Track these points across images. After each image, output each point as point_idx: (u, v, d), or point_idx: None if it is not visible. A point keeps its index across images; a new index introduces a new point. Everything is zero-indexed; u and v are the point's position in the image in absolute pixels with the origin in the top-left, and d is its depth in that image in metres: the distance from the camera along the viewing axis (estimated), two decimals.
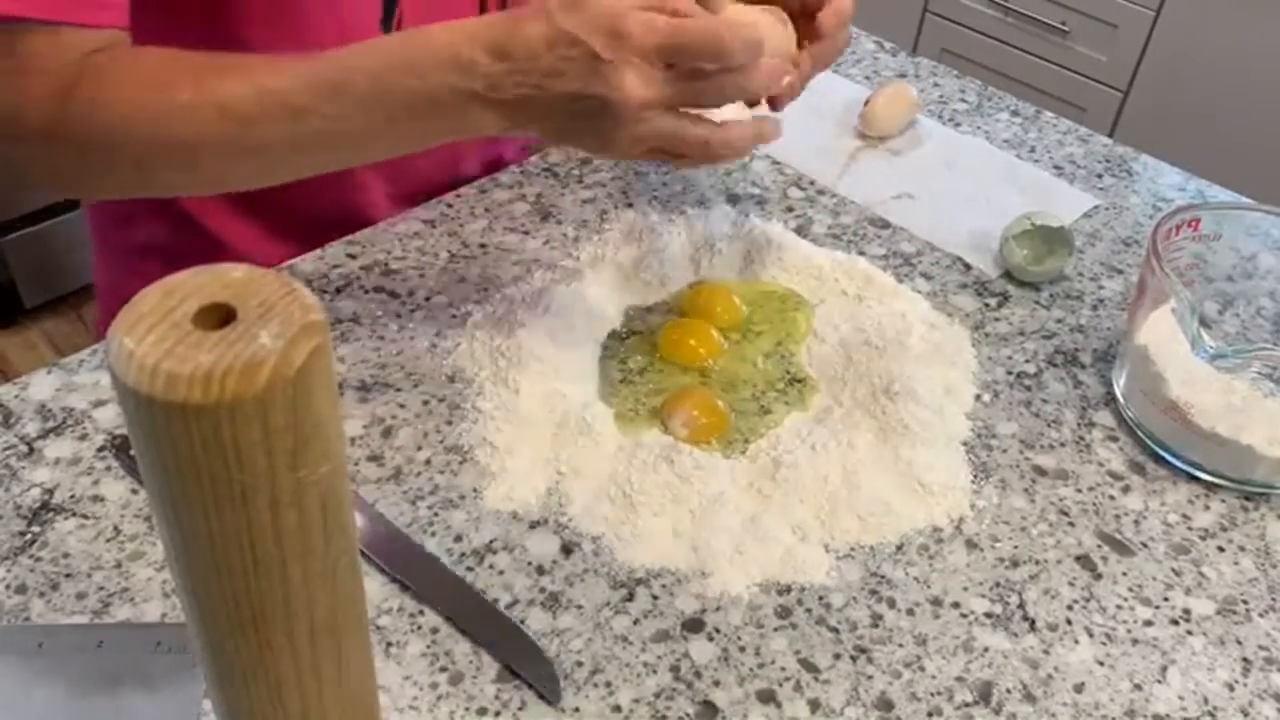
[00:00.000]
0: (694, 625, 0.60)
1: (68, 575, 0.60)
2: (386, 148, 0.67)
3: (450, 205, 0.88)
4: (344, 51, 0.64)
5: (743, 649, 0.59)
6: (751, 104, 0.72)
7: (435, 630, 0.58)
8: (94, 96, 0.63)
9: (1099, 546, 0.66)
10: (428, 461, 0.67)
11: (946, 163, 0.97)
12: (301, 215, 0.85)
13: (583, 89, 0.60)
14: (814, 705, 0.57)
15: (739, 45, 0.61)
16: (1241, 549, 0.67)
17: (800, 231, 0.88)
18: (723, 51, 0.61)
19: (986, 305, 0.83)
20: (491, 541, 0.63)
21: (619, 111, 0.61)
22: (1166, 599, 0.63)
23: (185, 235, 0.87)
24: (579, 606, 0.60)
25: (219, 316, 0.32)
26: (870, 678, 0.58)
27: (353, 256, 0.82)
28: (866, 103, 0.99)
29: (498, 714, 0.55)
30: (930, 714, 0.57)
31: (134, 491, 0.64)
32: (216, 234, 0.87)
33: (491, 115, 0.63)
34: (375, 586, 0.60)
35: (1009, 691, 0.58)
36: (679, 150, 0.65)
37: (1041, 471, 0.70)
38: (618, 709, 0.56)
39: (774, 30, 0.69)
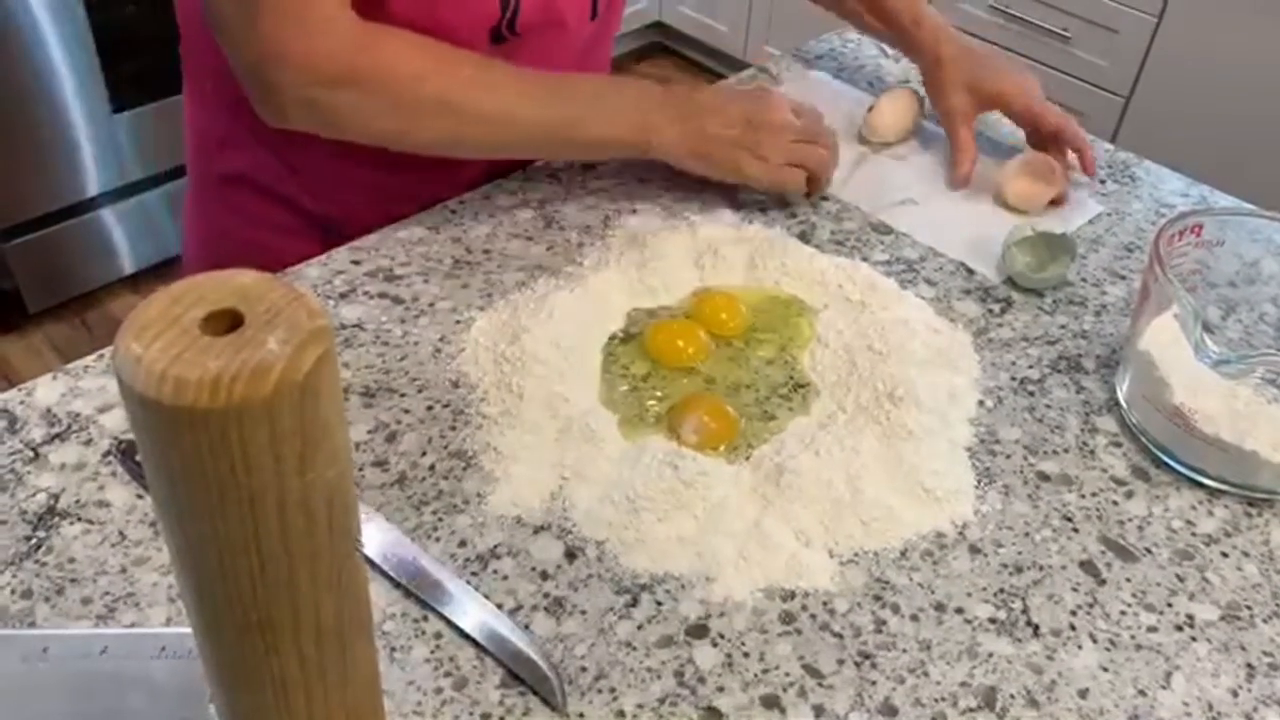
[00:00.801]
0: (698, 631, 0.60)
1: (73, 580, 0.60)
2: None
3: (454, 211, 0.88)
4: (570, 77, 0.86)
5: (747, 655, 0.59)
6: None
7: (439, 636, 0.58)
8: (382, 52, 0.77)
9: (1103, 552, 0.66)
10: (432, 467, 0.67)
11: (950, 168, 0.97)
12: (394, 170, 0.87)
13: (750, 107, 0.88)
14: (818, 711, 0.57)
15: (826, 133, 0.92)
16: (1245, 554, 0.67)
17: (803, 237, 0.88)
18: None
19: (990, 311, 0.83)
20: (495, 547, 0.63)
21: (773, 124, 0.88)
22: (1170, 605, 0.63)
23: (273, 168, 0.90)
24: (583, 612, 0.60)
25: (226, 322, 0.32)
26: (874, 683, 0.58)
27: (357, 262, 0.82)
28: (871, 109, 0.99)
29: (502, 719, 0.55)
30: (934, 719, 0.57)
31: (139, 497, 0.64)
32: (302, 169, 0.90)
33: (668, 125, 0.85)
34: (379, 592, 0.60)
35: (1013, 697, 0.58)
36: (810, 157, 0.89)
37: (1045, 477, 0.70)
38: (622, 715, 0.56)
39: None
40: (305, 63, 0.75)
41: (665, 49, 3.09)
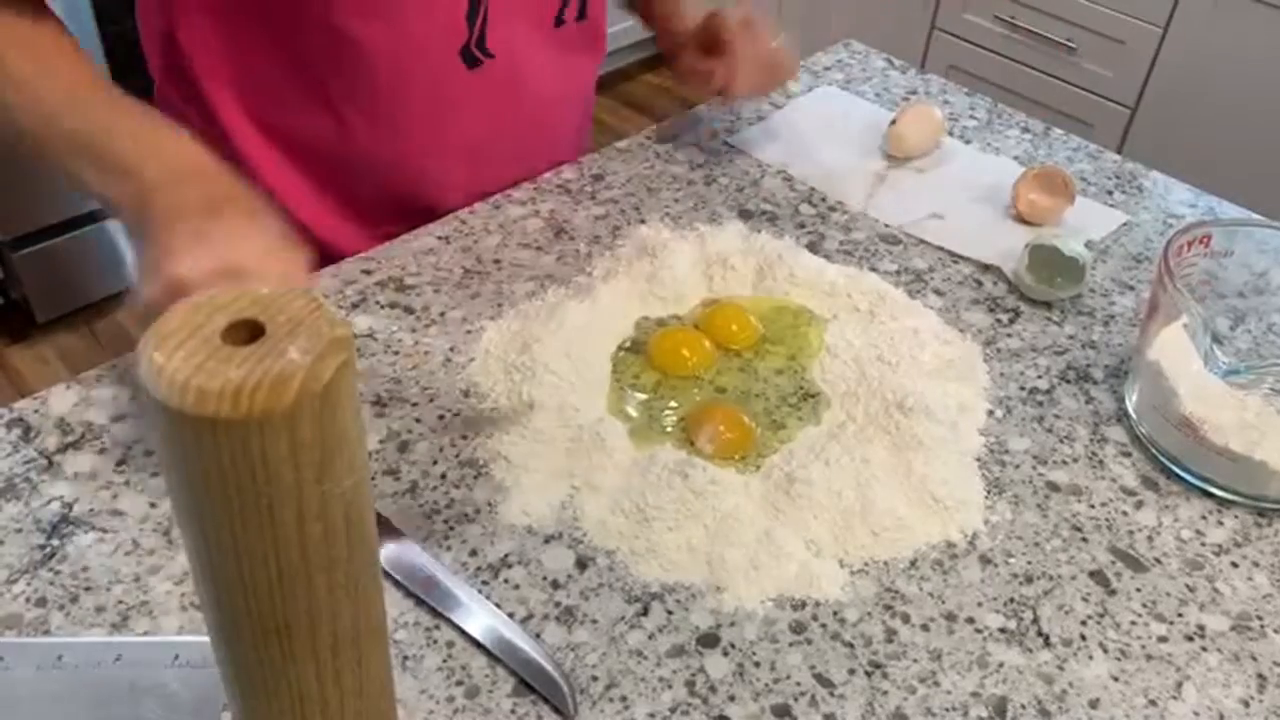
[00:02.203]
0: (709, 640, 0.60)
1: (87, 588, 0.60)
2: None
3: (464, 221, 0.89)
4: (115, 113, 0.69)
5: (758, 664, 0.59)
6: None
7: (451, 644, 0.59)
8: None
9: (1112, 562, 0.66)
10: (443, 476, 0.68)
11: (975, 182, 0.97)
12: (371, 199, 0.87)
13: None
14: None
15: None
16: (1255, 565, 0.67)
17: (812, 247, 0.88)
18: None
19: (999, 321, 0.83)
20: (506, 556, 0.63)
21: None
22: (1181, 615, 0.63)
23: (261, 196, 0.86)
24: (594, 621, 0.60)
25: (248, 332, 0.32)
26: (885, 693, 0.58)
27: (368, 272, 0.83)
28: (894, 124, 1.00)
29: None
30: None
31: (152, 505, 0.64)
32: (295, 211, 0.84)
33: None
34: (391, 601, 0.60)
35: (1023, 707, 0.58)
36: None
37: (1054, 487, 0.70)
38: None
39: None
40: None
41: None
